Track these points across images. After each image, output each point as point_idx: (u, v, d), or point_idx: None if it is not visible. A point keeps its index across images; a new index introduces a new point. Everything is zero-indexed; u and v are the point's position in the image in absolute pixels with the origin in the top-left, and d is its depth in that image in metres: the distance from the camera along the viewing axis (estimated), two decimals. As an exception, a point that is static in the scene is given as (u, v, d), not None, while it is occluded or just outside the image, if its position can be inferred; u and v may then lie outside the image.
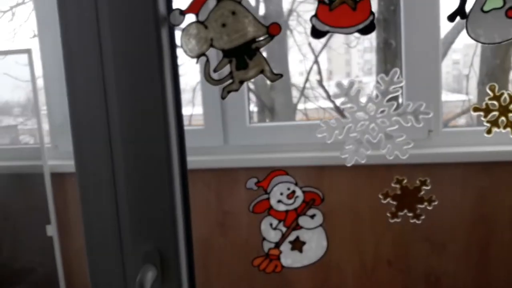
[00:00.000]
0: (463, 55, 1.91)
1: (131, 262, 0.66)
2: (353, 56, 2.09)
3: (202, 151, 1.43)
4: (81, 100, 0.65)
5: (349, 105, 0.59)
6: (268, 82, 1.93)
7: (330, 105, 1.82)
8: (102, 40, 0.62)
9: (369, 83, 1.98)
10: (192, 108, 1.88)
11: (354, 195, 1.38)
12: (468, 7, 0.56)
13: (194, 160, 1.41)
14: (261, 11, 1.89)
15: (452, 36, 1.66)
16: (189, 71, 1.79)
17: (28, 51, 1.50)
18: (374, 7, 1.75)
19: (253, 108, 1.94)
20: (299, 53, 1.90)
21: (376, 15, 1.92)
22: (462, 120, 1.89)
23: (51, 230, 1.56)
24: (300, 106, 1.95)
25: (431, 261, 1.36)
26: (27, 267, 1.62)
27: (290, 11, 1.89)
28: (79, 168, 0.66)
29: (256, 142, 1.42)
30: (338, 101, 0.57)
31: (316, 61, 1.83)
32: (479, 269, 1.33)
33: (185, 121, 1.93)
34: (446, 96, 2.19)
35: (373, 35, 1.80)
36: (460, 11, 0.56)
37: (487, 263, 1.33)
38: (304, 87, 1.94)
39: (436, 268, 1.35)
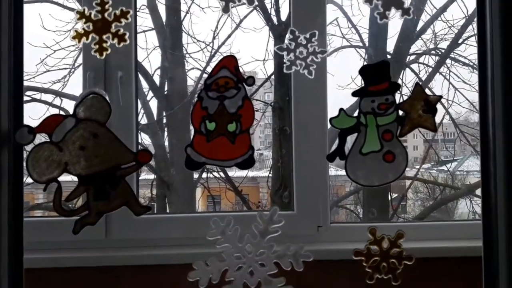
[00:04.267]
0: (351, 137, 2.05)
1: None
2: (255, 131, 2.15)
3: (79, 246, 1.24)
4: None
5: (225, 245, 0.53)
6: (168, 156, 1.84)
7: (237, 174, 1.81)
8: None
9: (269, 157, 2.03)
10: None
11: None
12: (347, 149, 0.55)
13: (68, 257, 1.21)
14: (166, 89, 1.86)
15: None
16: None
17: None
18: (271, 96, 1.81)
19: (153, 181, 1.83)
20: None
21: (272, 103, 1.94)
22: (350, 199, 1.98)
23: None
24: (203, 175, 1.90)
25: None
26: None
27: (193, 92, 1.88)
28: None
29: (143, 236, 1.27)
30: (214, 238, 0.50)
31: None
32: None
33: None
34: (336, 171, 2.30)
35: (270, 120, 1.86)
36: (339, 152, 0.55)
37: None
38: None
39: None
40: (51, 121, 0.51)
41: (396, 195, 1.97)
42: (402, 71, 1.84)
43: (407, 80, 1.85)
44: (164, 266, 1.23)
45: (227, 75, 0.53)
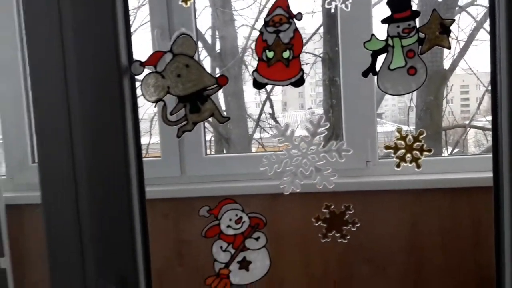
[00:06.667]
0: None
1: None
2: (306, 89, 2.25)
3: (160, 182, 1.50)
4: (48, 140, 0.71)
5: (285, 143, 0.71)
6: (224, 113, 2.02)
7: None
8: (69, 87, 0.69)
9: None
10: (149, 138, 1.94)
11: (304, 220, 1.48)
12: (378, 66, 0.70)
13: (151, 191, 1.46)
14: (218, 47, 2.01)
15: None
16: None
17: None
18: (320, 49, 1.89)
19: (211, 138, 2.03)
20: (255, 87, 2.02)
21: (322, 54, 2.04)
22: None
23: (5, 262, 1.54)
24: (257, 135, 2.06)
25: (372, 282, 1.47)
26: (-23, 302, 1.58)
27: (245, 48, 2.02)
28: (45, 202, 0.72)
29: (212, 172, 1.50)
30: (276, 140, 0.69)
31: (268, 97, 1.97)
32: (415, 288, 1.46)
33: (143, 151, 1.97)
34: (392, 127, 2.39)
35: (321, 76, 1.96)
36: (371, 69, 0.70)
37: (422, 283, 1.46)
38: (259, 119, 2.06)
39: (378, 288, 1.47)
40: (155, 56, 0.71)
41: (458, 149, 2.01)
42: (457, 14, 1.81)
43: (464, 24, 1.81)
44: (228, 197, 1.45)
45: (281, 13, 0.69)
